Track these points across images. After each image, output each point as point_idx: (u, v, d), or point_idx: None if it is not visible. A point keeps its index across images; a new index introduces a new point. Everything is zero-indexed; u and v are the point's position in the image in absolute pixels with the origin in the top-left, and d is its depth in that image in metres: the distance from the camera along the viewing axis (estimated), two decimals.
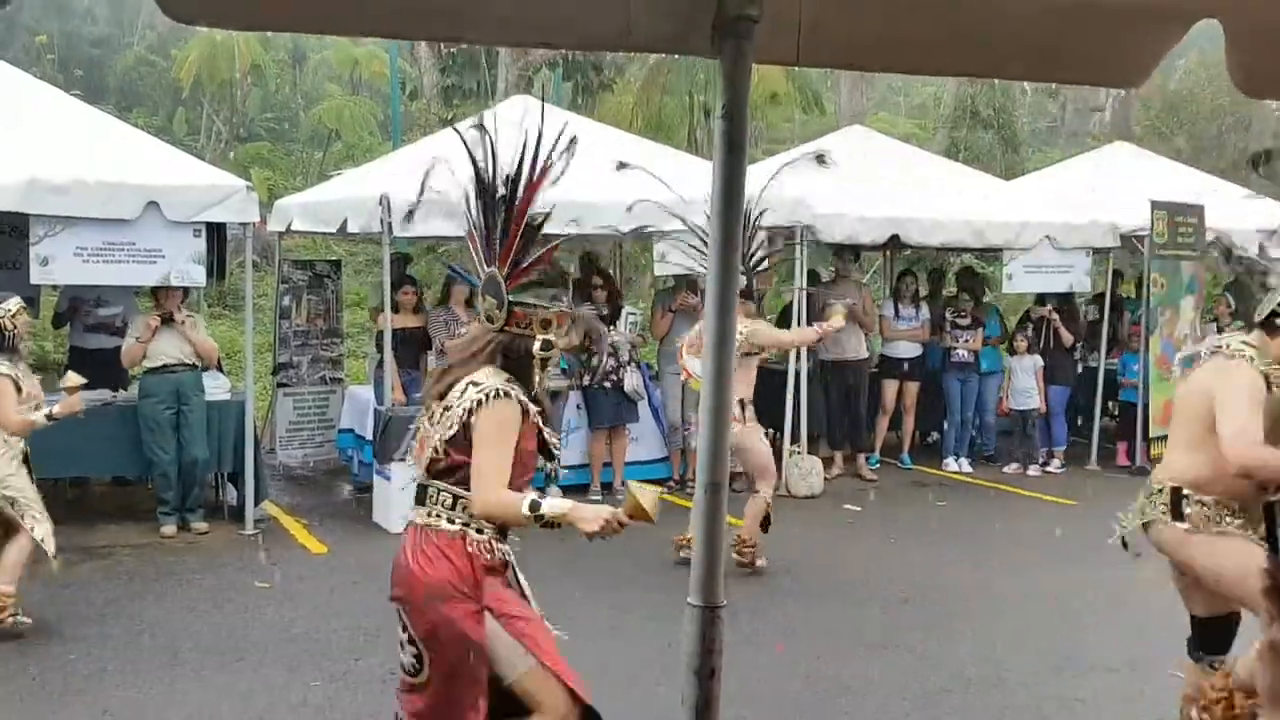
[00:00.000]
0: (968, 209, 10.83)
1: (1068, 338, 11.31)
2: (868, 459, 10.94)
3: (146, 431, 8.14)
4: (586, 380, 9.59)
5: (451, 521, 3.54)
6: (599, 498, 9.62)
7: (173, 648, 6.07)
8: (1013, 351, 11.15)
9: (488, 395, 3.46)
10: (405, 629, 3.63)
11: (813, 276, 11.01)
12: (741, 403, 7.16)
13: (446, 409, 3.53)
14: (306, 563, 7.79)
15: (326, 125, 25.69)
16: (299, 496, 9.74)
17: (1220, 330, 11.94)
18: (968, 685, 5.79)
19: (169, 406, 8.15)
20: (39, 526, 6.06)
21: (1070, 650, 6.29)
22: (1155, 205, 10.80)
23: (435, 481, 3.58)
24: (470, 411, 3.46)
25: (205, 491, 8.68)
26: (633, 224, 7.93)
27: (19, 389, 6.03)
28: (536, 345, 3.52)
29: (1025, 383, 11.06)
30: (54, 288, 9.65)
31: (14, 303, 6.15)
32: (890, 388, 11.11)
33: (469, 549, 3.53)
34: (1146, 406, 11.10)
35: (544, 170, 3.50)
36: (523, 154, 3.52)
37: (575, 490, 9.66)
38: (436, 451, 3.54)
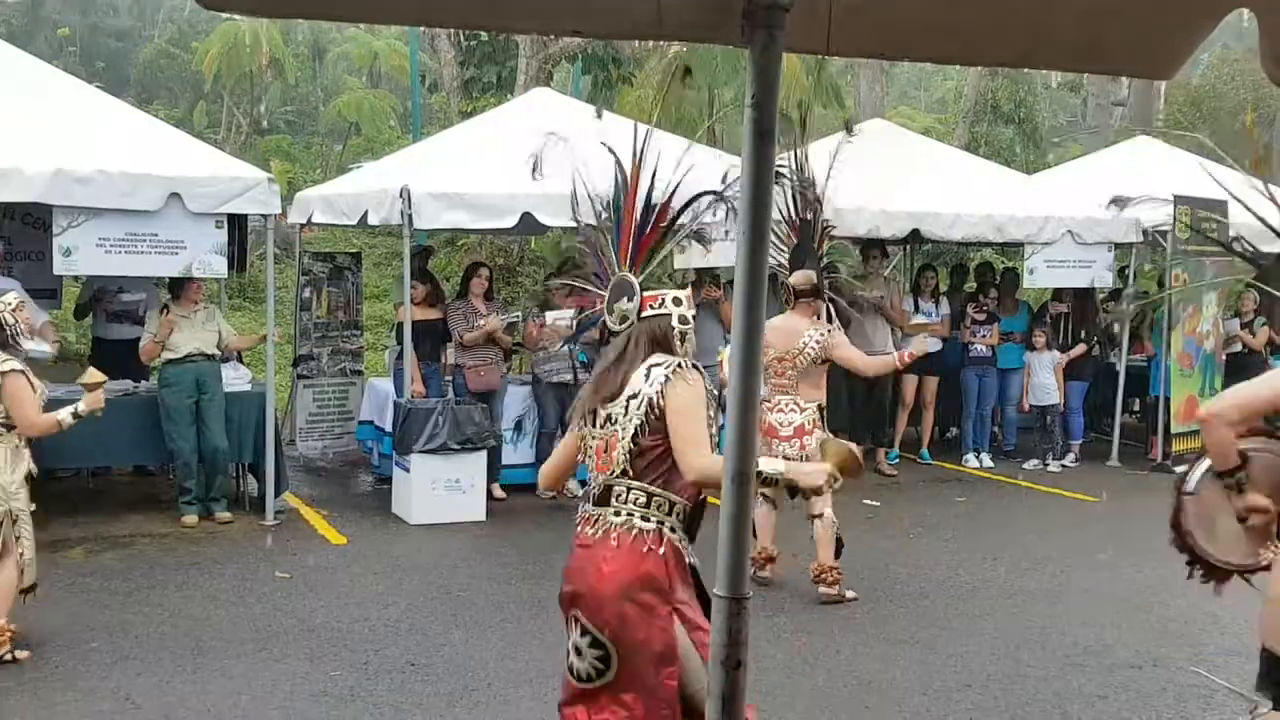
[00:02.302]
0: (989, 203, 10.78)
1: (1079, 350, 11.29)
2: (887, 454, 10.91)
3: (167, 421, 8.18)
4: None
5: (646, 519, 3.50)
6: None
7: (194, 637, 6.10)
8: (1031, 347, 11.11)
9: (675, 369, 3.49)
10: (584, 631, 3.53)
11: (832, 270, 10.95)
12: (821, 409, 6.92)
13: (632, 397, 3.52)
14: (327, 553, 7.82)
15: (346, 118, 25.78)
16: (319, 488, 9.78)
17: (1244, 326, 11.89)
18: (988, 681, 5.77)
19: (189, 396, 8.19)
20: (28, 552, 5.68)
21: (1092, 647, 6.27)
22: (1178, 200, 10.73)
23: (623, 480, 3.53)
24: (661, 390, 3.47)
25: (227, 482, 8.71)
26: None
27: (34, 386, 5.67)
28: (674, 319, 3.60)
29: (1044, 378, 11.02)
30: (76, 278, 9.70)
31: (12, 296, 5.82)
32: (910, 383, 11.07)
33: (663, 548, 3.48)
34: (1168, 402, 11.04)
35: (636, 172, 3.66)
36: (619, 163, 3.71)
37: None
38: (629, 446, 3.50)
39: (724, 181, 3.95)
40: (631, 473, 3.51)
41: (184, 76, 27.66)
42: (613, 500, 3.54)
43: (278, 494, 8.59)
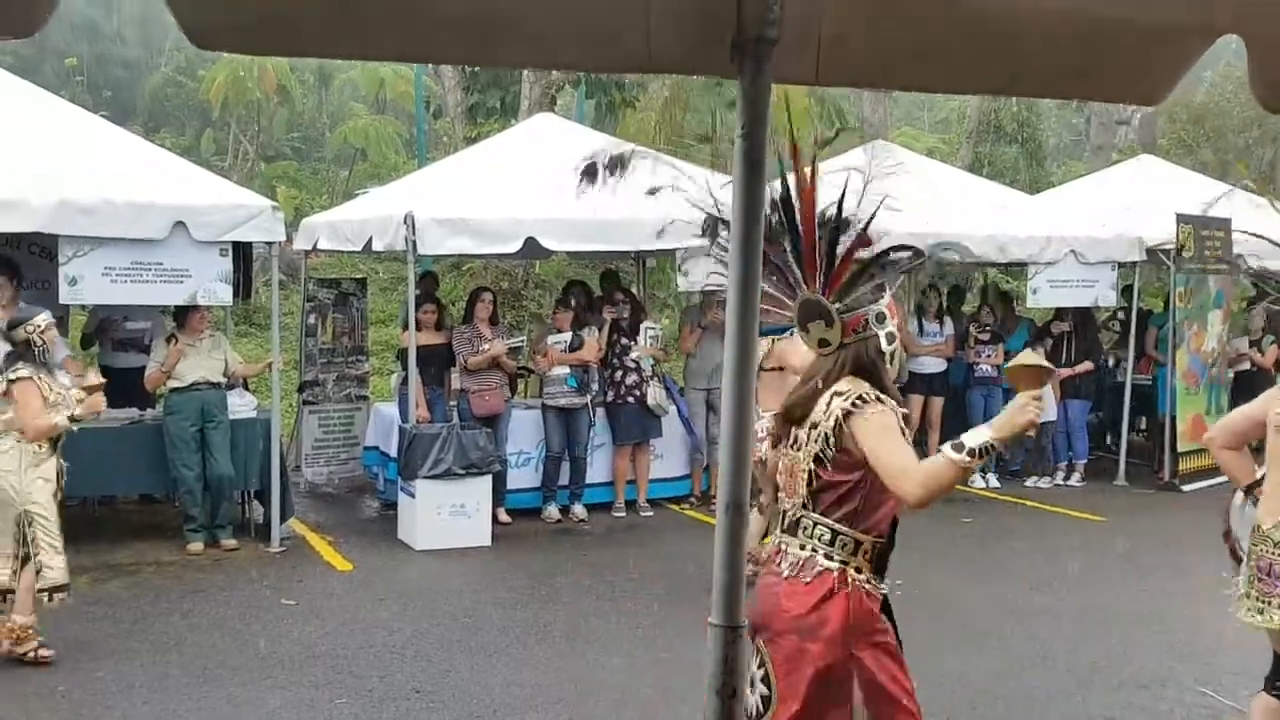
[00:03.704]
0: (992, 224, 10.80)
1: (1084, 367, 11.30)
2: None
3: (171, 448, 8.20)
4: (610, 395, 9.59)
5: (829, 559, 3.33)
6: (622, 515, 9.62)
7: (200, 665, 6.10)
8: None
9: (856, 401, 3.27)
10: (760, 663, 3.39)
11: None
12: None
13: (813, 426, 3.34)
14: (332, 580, 7.81)
15: (352, 144, 25.90)
16: (324, 514, 9.78)
17: (1253, 344, 11.88)
18: (995, 701, 5.75)
19: (194, 424, 8.22)
20: (45, 554, 5.92)
21: (1099, 666, 6.24)
22: (1181, 219, 10.73)
23: (810, 514, 3.37)
24: (839, 423, 3.27)
25: (232, 508, 8.73)
26: (668, 244, 8.04)
27: (44, 395, 5.96)
28: (883, 340, 3.38)
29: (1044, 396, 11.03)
30: (83, 308, 9.75)
31: (43, 318, 6.12)
32: (915, 403, 11.06)
33: (847, 591, 3.32)
34: (1174, 421, 11.02)
35: (812, 180, 3.34)
36: (784, 179, 3.34)
37: (599, 508, 9.67)
38: (809, 477, 3.34)
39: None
40: (817, 507, 3.36)
41: (191, 105, 27.82)
42: (799, 533, 3.40)
43: (283, 520, 8.60)
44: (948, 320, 11.32)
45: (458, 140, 16.86)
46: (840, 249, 3.37)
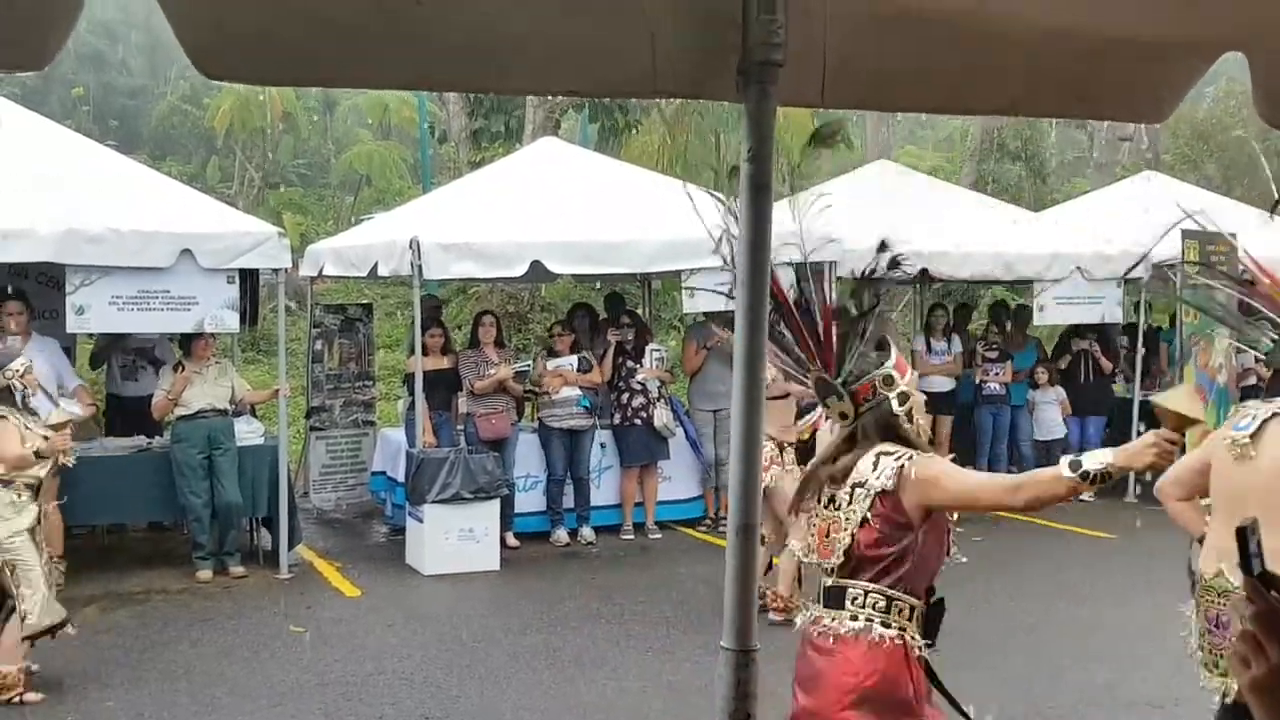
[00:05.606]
0: (997, 241, 10.80)
1: (1107, 366, 11.28)
2: None
3: (179, 476, 8.20)
4: (616, 417, 9.58)
5: (887, 625, 3.28)
6: (630, 537, 9.60)
7: (209, 693, 6.08)
8: (1034, 385, 11.11)
9: (909, 459, 3.23)
10: None
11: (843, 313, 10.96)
12: (780, 446, 7.03)
13: (858, 485, 3.26)
14: (341, 606, 7.80)
15: (357, 170, 25.98)
16: (332, 540, 9.77)
17: (1258, 359, 11.83)
18: None
19: (201, 451, 8.22)
20: (26, 601, 5.81)
21: (1111, 686, 6.21)
22: (1186, 234, 10.72)
23: (858, 582, 3.29)
24: (896, 481, 3.20)
25: (241, 535, 8.73)
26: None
27: (20, 434, 5.92)
28: (894, 403, 3.35)
29: (1050, 414, 11.03)
30: (90, 336, 9.77)
31: (20, 363, 6.08)
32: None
33: (908, 656, 3.28)
34: (1184, 436, 10.97)
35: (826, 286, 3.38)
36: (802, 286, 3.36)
37: (607, 531, 9.65)
38: (849, 538, 3.27)
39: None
40: (866, 573, 3.28)
41: (197, 132, 27.95)
42: (848, 604, 3.30)
43: (291, 547, 8.58)
44: (955, 338, 11.31)
45: (462, 165, 16.92)
46: (821, 330, 3.36)
